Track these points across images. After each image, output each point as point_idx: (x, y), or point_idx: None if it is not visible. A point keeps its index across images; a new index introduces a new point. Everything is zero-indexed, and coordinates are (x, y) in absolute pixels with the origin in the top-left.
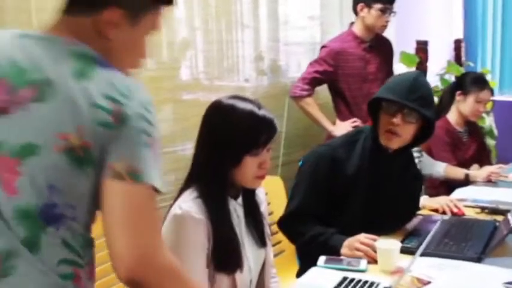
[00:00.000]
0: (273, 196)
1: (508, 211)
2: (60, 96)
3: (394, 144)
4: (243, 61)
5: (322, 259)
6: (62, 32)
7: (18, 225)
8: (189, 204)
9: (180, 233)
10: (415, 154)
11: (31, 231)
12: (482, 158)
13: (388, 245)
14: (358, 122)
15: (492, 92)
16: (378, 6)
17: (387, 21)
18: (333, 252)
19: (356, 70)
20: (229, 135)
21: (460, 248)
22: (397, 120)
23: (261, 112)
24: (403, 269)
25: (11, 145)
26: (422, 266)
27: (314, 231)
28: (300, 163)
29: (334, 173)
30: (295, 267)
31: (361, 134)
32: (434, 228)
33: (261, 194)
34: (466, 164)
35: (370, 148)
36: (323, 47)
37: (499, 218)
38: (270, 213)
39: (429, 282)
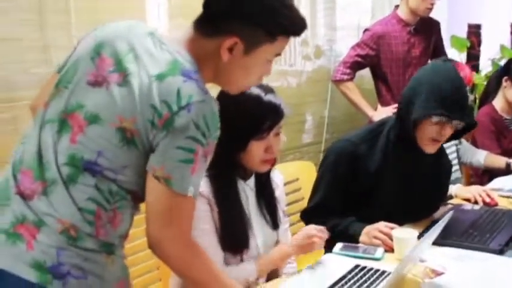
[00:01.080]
0: (305, 181)
1: None
2: (132, 88)
3: (435, 149)
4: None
5: (338, 246)
6: (186, 44)
7: (65, 166)
8: None
9: None
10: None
11: (73, 173)
12: None
13: (404, 234)
14: None
15: None
16: None
17: (432, 4)
18: (353, 240)
19: (399, 54)
20: (234, 120)
21: (484, 239)
22: (447, 132)
23: (267, 97)
24: (422, 259)
25: (88, 110)
26: (440, 256)
27: (334, 220)
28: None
29: (356, 170)
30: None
31: (384, 126)
32: (444, 218)
33: (277, 178)
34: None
35: (394, 143)
36: (366, 30)
37: None
38: (302, 199)
39: (442, 273)
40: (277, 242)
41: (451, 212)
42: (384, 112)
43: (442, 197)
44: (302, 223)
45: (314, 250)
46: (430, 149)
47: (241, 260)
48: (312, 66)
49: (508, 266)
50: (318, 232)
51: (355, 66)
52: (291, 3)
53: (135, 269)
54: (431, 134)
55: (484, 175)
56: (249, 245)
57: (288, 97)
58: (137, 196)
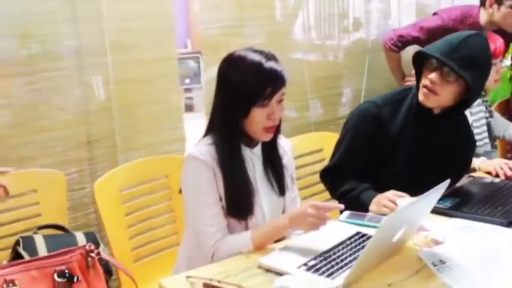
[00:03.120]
0: (329, 152)
1: None
2: None
3: (430, 102)
4: (323, 18)
5: (345, 214)
6: None
7: None
8: (200, 148)
9: (187, 172)
10: (482, 114)
11: None
12: None
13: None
14: None
15: None
16: (510, 3)
17: None
18: (363, 207)
19: None
20: (236, 87)
21: (494, 212)
22: (432, 76)
23: (268, 64)
24: (425, 228)
25: None
26: (444, 226)
27: (349, 185)
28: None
29: (378, 132)
30: None
31: (409, 91)
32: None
33: (285, 145)
34: None
35: (416, 107)
36: (435, 13)
37: None
38: None
39: (442, 243)
40: (284, 209)
41: (447, 182)
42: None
43: (459, 169)
44: (326, 192)
45: (308, 230)
46: (424, 99)
47: (247, 227)
48: (349, 38)
49: (509, 238)
50: (316, 213)
51: (406, 43)
52: None
53: (154, 232)
54: (425, 81)
55: None
56: (253, 211)
57: (325, 69)
58: None
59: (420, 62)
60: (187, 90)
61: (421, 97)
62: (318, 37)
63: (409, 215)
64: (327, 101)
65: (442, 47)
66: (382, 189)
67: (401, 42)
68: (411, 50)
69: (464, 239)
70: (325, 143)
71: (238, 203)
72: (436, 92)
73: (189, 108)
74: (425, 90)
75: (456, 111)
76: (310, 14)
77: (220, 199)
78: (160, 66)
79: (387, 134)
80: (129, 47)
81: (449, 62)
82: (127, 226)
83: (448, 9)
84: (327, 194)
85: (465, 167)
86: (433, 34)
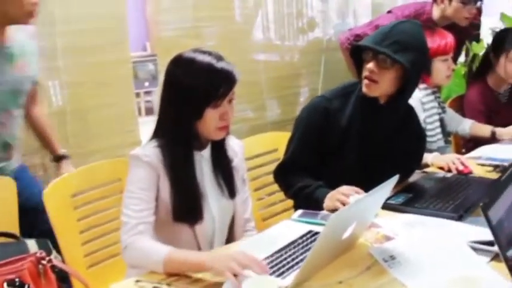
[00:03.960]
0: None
1: None
2: None
3: (372, 91)
4: (279, 18)
5: (297, 213)
6: None
7: None
8: (146, 150)
9: (129, 170)
10: (435, 110)
11: None
12: None
13: None
14: None
15: None
16: None
17: (472, 13)
18: (317, 204)
19: None
20: (188, 90)
21: (445, 206)
22: (370, 66)
23: (219, 64)
24: (377, 225)
25: None
26: (395, 222)
27: (302, 183)
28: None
29: (328, 125)
30: None
31: (358, 85)
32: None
33: (236, 146)
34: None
35: (362, 99)
36: (389, 11)
37: None
38: None
39: (393, 239)
40: (234, 212)
41: (395, 177)
42: None
43: (409, 163)
44: (281, 193)
45: (223, 272)
46: (366, 89)
47: (194, 231)
48: (305, 38)
49: (458, 232)
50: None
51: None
52: None
53: (108, 237)
54: (365, 73)
55: (476, 146)
56: (202, 216)
57: (282, 70)
58: None
59: (360, 58)
60: (147, 93)
61: (364, 89)
62: (276, 37)
63: (357, 211)
64: (284, 101)
65: (375, 37)
66: (337, 183)
67: (357, 41)
68: None
69: (415, 234)
70: (280, 143)
71: (186, 208)
72: (376, 80)
73: (149, 111)
74: (366, 81)
75: (400, 99)
76: (269, 15)
77: (156, 199)
78: (115, 69)
79: (337, 127)
80: (82, 50)
81: (382, 49)
82: (79, 232)
83: (402, 7)
84: (281, 195)
85: (415, 161)
86: None
